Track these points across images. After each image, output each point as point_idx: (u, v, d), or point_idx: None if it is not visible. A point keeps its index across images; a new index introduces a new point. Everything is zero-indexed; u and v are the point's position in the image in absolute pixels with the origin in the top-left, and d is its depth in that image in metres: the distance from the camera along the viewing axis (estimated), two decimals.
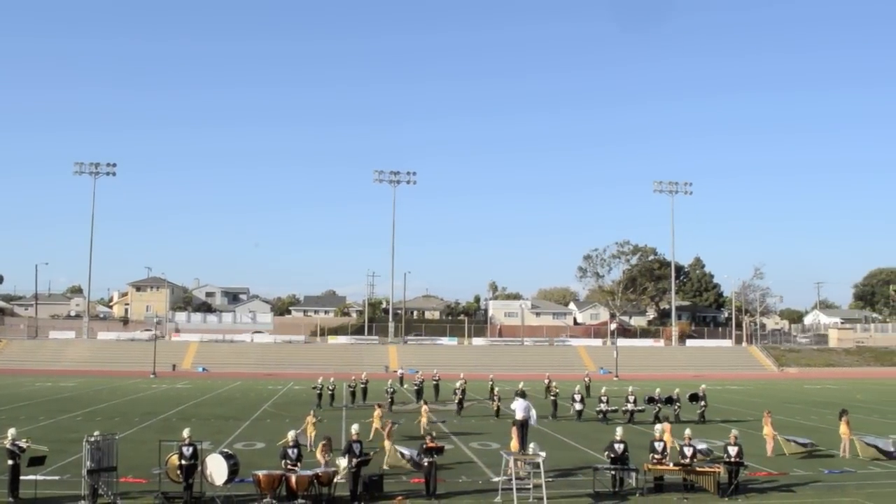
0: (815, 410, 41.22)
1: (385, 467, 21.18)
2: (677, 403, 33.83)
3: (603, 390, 35.78)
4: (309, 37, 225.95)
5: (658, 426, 21.13)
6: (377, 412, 28.53)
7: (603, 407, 33.57)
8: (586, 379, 49.50)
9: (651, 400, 34.27)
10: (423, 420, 29.20)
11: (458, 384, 39.05)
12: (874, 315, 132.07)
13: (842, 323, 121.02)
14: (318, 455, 18.94)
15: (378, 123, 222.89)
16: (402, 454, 21.50)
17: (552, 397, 37.24)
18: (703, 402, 34.76)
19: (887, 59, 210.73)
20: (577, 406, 35.01)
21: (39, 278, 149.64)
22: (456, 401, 37.56)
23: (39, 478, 18.12)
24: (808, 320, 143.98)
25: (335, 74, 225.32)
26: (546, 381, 42.01)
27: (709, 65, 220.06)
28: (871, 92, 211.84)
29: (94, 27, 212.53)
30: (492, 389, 40.01)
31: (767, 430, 25.75)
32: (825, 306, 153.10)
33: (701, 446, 21.72)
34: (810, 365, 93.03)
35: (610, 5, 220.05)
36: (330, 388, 41.85)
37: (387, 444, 22.09)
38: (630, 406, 33.97)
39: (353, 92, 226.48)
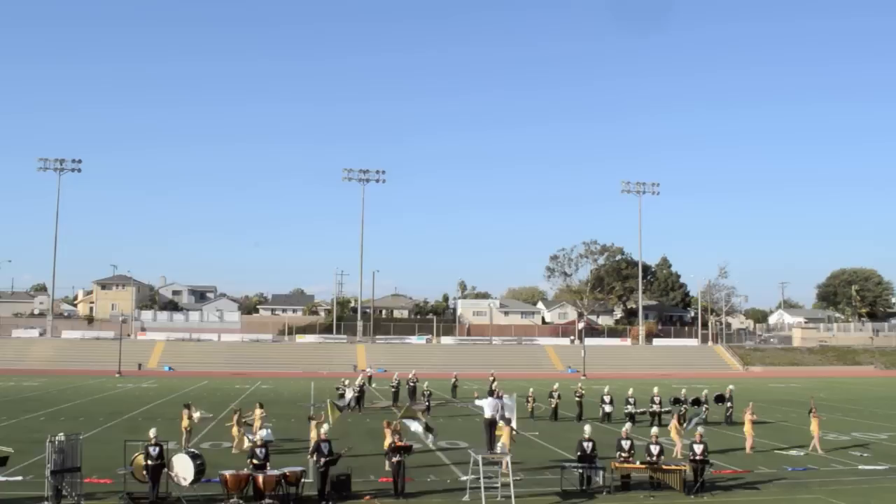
0: (779, 409, 41.84)
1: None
2: (705, 405, 33.07)
3: (630, 392, 34.43)
4: (279, 46, 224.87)
5: (627, 425, 21.29)
6: (235, 416, 25.67)
7: (630, 409, 32.84)
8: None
9: (677, 401, 33.11)
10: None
11: (492, 385, 38.05)
12: (837, 315, 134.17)
13: (805, 322, 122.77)
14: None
15: (347, 125, 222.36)
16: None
17: (577, 398, 36.39)
18: (729, 404, 34.14)
19: (851, 74, 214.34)
20: (607, 408, 34.16)
21: (2, 276, 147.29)
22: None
23: (2, 479, 17.89)
24: (772, 320, 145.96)
25: (305, 77, 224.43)
26: (578, 385, 39.64)
27: (678, 75, 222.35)
28: (835, 104, 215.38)
29: (67, 32, 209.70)
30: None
31: (748, 427, 25.89)
32: (789, 306, 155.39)
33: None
34: (775, 364, 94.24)
35: (585, 18, 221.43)
36: (360, 384, 41.86)
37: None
38: (656, 407, 32.84)
39: (322, 97, 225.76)
